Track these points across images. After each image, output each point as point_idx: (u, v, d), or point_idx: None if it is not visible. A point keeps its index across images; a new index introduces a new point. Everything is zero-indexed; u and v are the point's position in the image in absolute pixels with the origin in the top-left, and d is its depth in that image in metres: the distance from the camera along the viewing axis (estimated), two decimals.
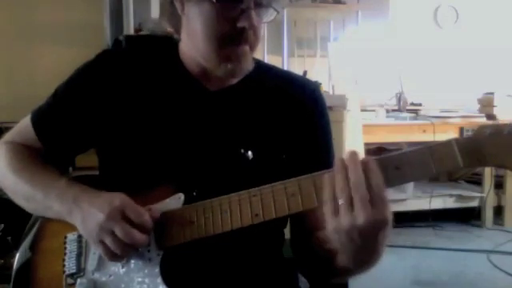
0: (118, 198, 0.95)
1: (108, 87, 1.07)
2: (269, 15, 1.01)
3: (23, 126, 1.13)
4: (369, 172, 0.78)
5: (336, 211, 0.79)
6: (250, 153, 1.04)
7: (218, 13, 0.97)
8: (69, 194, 1.00)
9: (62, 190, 1.01)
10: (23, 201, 1.07)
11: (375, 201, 0.77)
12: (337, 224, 0.79)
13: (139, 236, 0.92)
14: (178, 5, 1.02)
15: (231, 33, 0.97)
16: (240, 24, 0.96)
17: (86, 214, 0.95)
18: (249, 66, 1.05)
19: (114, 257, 0.95)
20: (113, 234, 0.92)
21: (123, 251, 0.94)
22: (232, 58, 1.00)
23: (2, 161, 1.10)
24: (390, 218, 0.78)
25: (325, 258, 0.96)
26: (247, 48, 1.01)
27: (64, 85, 1.11)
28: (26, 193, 1.06)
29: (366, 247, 0.82)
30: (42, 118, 1.11)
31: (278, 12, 1.00)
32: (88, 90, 1.08)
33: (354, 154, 0.80)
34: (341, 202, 0.78)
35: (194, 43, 1.03)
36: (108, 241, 0.93)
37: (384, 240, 0.81)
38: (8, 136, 1.15)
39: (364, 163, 0.79)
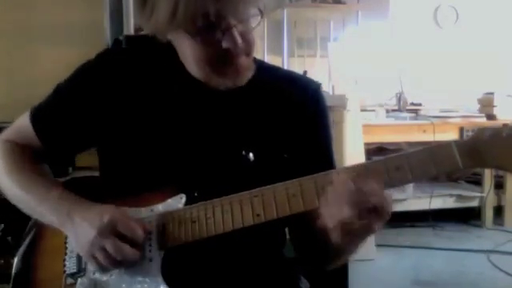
0: (109, 213, 0.94)
1: (110, 86, 1.06)
2: (255, 20, 0.98)
3: (21, 124, 1.12)
4: (360, 182, 0.81)
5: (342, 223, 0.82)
6: (251, 154, 1.03)
7: (200, 41, 0.95)
8: (62, 207, 1.00)
9: (55, 201, 1.01)
10: (17, 203, 1.07)
11: (377, 204, 0.80)
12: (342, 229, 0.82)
13: (130, 251, 0.93)
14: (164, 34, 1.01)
15: (220, 54, 0.96)
16: (224, 45, 0.94)
17: (79, 229, 0.96)
18: (249, 72, 1.05)
19: (107, 271, 0.96)
20: (104, 249, 0.93)
21: (115, 266, 0.94)
22: (228, 73, 1.00)
23: None
24: (390, 207, 0.82)
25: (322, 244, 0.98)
26: (242, 59, 0.99)
27: (65, 83, 1.10)
28: (19, 197, 1.06)
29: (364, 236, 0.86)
30: (41, 116, 1.10)
31: (262, 14, 0.97)
32: (90, 89, 1.07)
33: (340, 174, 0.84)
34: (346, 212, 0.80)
35: (188, 64, 1.03)
36: (99, 256, 0.93)
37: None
38: (5, 134, 1.14)
39: (355, 177, 0.82)
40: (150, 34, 1.00)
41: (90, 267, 0.99)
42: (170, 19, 0.91)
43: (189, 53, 0.99)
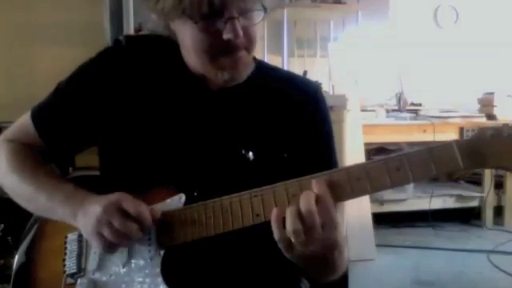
0: (116, 194, 0.95)
1: (110, 85, 1.06)
2: (258, 16, 0.99)
3: (23, 123, 1.12)
4: (320, 201, 0.84)
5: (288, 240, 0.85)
6: (250, 153, 1.04)
7: (201, 30, 0.96)
8: (76, 198, 1.00)
9: (69, 193, 1.01)
10: (24, 201, 1.07)
11: (326, 226, 0.84)
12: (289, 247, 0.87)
13: (135, 227, 0.92)
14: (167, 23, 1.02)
15: (220, 45, 0.97)
16: (225, 36, 0.95)
17: (88, 211, 0.95)
18: (248, 69, 1.05)
19: (111, 247, 0.95)
20: (110, 224, 0.92)
21: (120, 240, 0.93)
22: (227, 67, 1.00)
23: (3, 160, 1.09)
24: (339, 239, 0.87)
25: None
26: (241, 54, 0.99)
27: (66, 82, 1.10)
28: (28, 194, 1.05)
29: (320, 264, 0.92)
30: (42, 115, 1.10)
31: (265, 10, 0.99)
32: (90, 88, 1.07)
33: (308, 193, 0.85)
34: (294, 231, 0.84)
35: (188, 55, 1.03)
36: (105, 231, 0.92)
37: (339, 257, 0.92)
38: (8, 133, 1.13)
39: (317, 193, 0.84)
40: (151, 28, 1.01)
41: (90, 267, 0.99)
42: (177, 3, 0.92)
43: (189, 42, 0.99)
